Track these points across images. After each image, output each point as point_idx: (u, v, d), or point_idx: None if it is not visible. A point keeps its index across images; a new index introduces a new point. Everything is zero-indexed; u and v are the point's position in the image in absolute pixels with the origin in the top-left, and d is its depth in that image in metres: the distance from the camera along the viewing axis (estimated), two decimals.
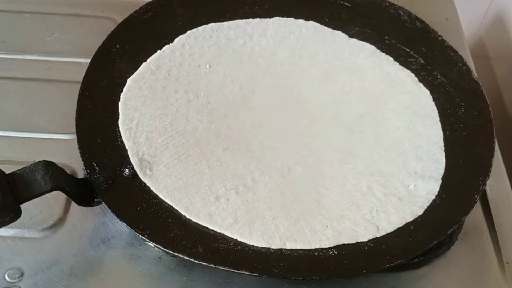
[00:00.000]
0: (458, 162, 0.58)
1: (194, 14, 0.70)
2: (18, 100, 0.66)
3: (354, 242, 0.52)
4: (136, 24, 0.67)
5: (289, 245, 0.51)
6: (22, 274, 0.52)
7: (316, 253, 0.51)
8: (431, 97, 0.63)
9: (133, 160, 0.56)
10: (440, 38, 0.68)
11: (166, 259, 0.54)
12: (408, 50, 0.68)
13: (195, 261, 0.49)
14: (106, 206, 0.52)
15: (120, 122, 0.59)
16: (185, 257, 0.50)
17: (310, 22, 0.70)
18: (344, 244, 0.52)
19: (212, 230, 0.52)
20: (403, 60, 0.67)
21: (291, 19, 0.70)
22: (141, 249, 0.54)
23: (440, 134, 0.60)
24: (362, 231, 0.52)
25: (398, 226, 0.53)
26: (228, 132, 0.60)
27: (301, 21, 0.70)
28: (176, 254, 0.50)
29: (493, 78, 0.85)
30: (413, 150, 0.59)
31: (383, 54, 0.67)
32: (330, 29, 0.69)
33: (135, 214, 0.52)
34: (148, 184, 0.55)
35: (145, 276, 0.53)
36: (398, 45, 0.68)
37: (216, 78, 0.64)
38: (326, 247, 0.52)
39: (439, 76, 0.65)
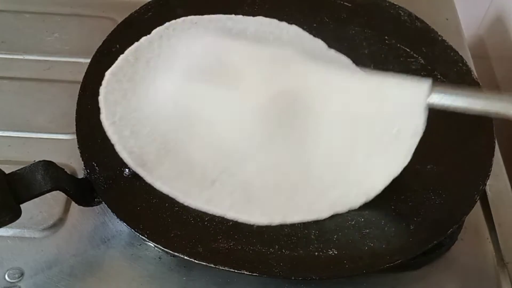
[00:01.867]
0: (458, 162, 0.58)
1: (194, 14, 0.70)
2: (18, 100, 0.66)
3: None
4: (136, 24, 0.67)
5: (289, 219, 0.52)
6: (22, 274, 0.52)
7: (316, 253, 0.51)
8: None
9: (122, 154, 0.56)
10: (440, 38, 0.68)
11: (166, 259, 0.54)
12: (408, 50, 0.68)
13: (195, 261, 0.49)
14: (106, 206, 0.52)
15: (103, 117, 0.59)
16: (185, 257, 0.50)
17: (293, 26, 0.69)
18: (343, 244, 0.52)
19: (212, 215, 0.53)
20: (403, 60, 0.67)
21: (274, 20, 0.69)
22: (141, 249, 0.55)
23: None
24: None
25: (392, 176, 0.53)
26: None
27: (283, 23, 0.69)
28: (176, 254, 0.50)
29: (493, 78, 0.85)
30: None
31: (358, 68, 0.65)
32: (311, 36, 0.68)
33: (135, 214, 0.52)
34: (141, 174, 0.55)
35: (145, 276, 0.53)
36: (398, 45, 0.68)
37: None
38: (323, 218, 0.53)
39: (439, 76, 0.65)
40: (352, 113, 0.57)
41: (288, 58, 0.61)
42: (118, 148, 0.56)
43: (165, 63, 0.63)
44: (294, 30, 0.69)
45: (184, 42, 0.65)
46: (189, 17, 0.68)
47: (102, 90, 0.61)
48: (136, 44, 0.65)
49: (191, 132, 0.58)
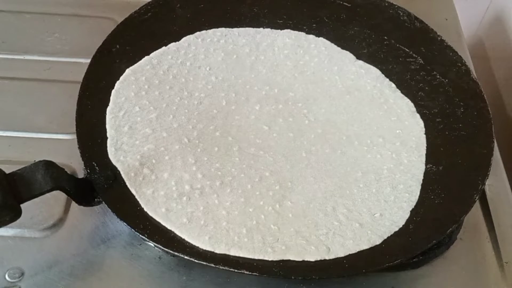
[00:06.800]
0: (457, 161, 0.58)
1: (194, 14, 0.70)
2: (18, 100, 0.66)
3: (301, 260, 0.51)
4: (136, 25, 0.68)
5: (233, 252, 0.51)
6: (23, 274, 0.52)
7: None
8: (424, 130, 0.61)
9: (110, 150, 0.56)
10: (439, 38, 0.68)
11: (166, 258, 0.54)
12: (407, 50, 0.68)
13: (195, 260, 0.49)
14: (106, 206, 0.52)
15: (108, 109, 0.60)
16: (185, 257, 0.50)
17: (320, 38, 0.69)
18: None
19: (165, 227, 0.52)
20: (402, 60, 0.67)
21: (302, 34, 0.70)
22: (141, 248, 0.55)
23: (422, 167, 0.58)
24: (312, 250, 0.51)
25: (350, 252, 0.52)
26: (211, 134, 0.59)
27: (311, 36, 0.70)
28: (176, 253, 0.50)
29: (492, 78, 0.85)
30: (390, 178, 0.57)
31: (387, 79, 0.66)
32: (338, 48, 0.69)
33: (135, 214, 0.53)
34: (118, 167, 0.55)
35: (145, 276, 0.53)
36: (398, 45, 0.68)
37: (214, 81, 0.64)
38: (270, 259, 0.51)
39: (438, 76, 0.65)
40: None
41: None
42: (109, 143, 0.57)
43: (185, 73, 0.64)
44: (321, 42, 0.69)
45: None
46: (220, 29, 0.69)
47: (117, 84, 0.62)
48: (163, 48, 0.66)
49: (186, 147, 0.58)
